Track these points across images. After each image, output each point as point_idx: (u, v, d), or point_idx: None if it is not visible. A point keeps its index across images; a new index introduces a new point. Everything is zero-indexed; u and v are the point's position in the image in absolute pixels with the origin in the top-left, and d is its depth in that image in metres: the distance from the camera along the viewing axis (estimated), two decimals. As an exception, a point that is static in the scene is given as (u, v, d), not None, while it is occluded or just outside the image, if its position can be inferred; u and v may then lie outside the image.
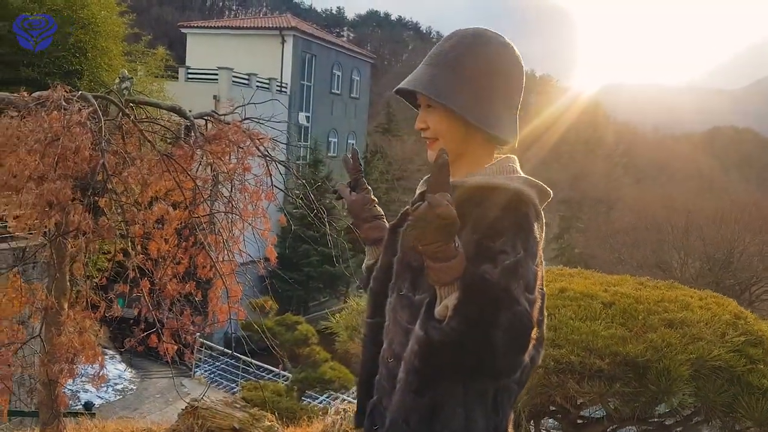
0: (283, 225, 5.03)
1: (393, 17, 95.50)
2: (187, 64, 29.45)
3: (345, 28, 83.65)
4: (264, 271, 4.71)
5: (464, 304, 1.45)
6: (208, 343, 20.37)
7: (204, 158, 4.48)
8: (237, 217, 4.47)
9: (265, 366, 19.12)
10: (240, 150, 4.42)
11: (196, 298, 4.99)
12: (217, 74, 27.06)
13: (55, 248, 3.73)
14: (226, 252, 4.45)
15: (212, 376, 20.23)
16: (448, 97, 1.69)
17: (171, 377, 17.74)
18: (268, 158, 4.52)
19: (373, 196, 2.14)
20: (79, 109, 3.46)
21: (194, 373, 19.46)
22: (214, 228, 4.15)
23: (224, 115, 4.57)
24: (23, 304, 3.69)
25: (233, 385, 19.27)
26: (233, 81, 26.80)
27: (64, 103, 3.52)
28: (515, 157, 1.79)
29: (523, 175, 1.73)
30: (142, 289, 4.33)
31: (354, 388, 13.99)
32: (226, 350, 19.43)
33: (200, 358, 20.17)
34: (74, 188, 3.30)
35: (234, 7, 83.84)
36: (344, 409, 4.70)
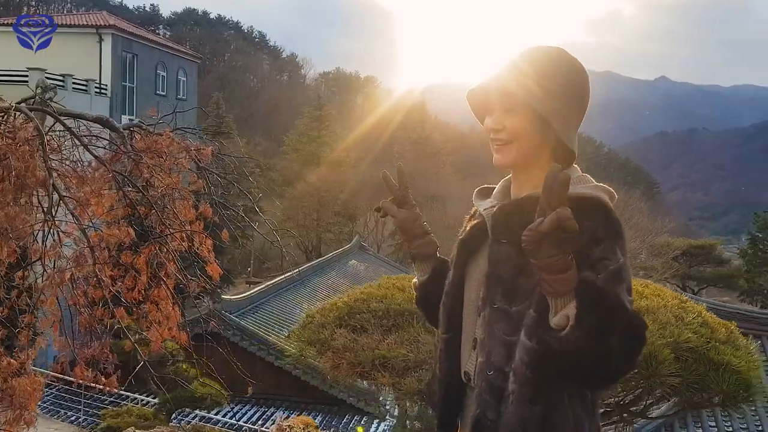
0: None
1: (212, 15, 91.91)
2: (-12, 64, 26.36)
3: (160, 27, 79.53)
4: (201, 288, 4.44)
5: (586, 313, 1.49)
6: (38, 369, 18.42)
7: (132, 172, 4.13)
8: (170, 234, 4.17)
9: (114, 390, 17.64)
10: (175, 162, 4.15)
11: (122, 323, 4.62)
12: (27, 75, 24.49)
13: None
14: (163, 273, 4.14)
15: (47, 405, 18.37)
16: (541, 102, 1.71)
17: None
18: (205, 171, 4.27)
19: (419, 212, 2.09)
20: (22, 125, 3.05)
21: (27, 404, 17.58)
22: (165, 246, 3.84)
23: (151, 125, 4.25)
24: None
25: (74, 413, 17.64)
26: (47, 82, 24.47)
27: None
28: (576, 166, 1.85)
29: (596, 183, 1.76)
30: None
31: (225, 405, 13.46)
32: (64, 377, 17.70)
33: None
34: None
35: (33, 3, 76.40)
36: (289, 426, 4.56)
